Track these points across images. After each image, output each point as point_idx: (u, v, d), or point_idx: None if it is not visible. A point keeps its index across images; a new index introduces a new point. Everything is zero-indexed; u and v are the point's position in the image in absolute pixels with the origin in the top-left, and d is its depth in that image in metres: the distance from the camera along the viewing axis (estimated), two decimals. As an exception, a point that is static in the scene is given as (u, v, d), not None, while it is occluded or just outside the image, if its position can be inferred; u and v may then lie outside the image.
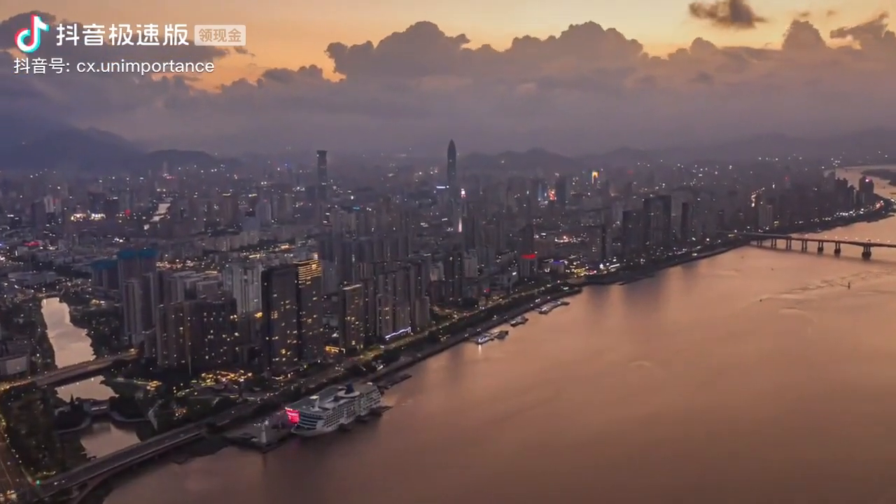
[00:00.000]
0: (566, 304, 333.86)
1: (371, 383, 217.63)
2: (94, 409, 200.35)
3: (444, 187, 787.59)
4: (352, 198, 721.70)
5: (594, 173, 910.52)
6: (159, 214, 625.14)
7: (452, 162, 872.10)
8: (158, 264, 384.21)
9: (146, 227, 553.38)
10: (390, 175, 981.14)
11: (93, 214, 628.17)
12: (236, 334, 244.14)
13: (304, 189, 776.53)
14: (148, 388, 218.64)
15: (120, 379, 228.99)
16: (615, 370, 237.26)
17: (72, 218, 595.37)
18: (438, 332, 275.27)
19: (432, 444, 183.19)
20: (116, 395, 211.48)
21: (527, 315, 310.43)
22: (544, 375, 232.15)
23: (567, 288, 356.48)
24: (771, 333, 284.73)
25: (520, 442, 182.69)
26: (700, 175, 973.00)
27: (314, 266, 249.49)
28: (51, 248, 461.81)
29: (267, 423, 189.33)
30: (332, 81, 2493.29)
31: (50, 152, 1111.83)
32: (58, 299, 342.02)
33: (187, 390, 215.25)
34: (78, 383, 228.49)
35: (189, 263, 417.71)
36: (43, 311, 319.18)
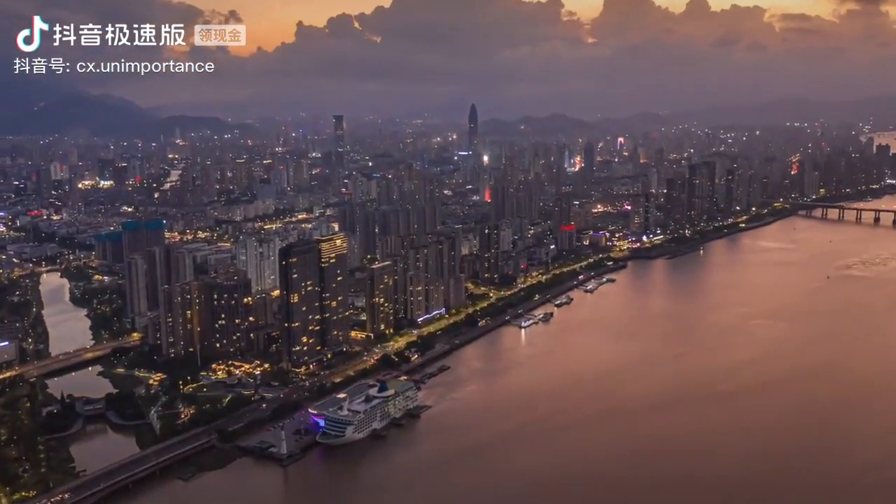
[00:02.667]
0: (612, 280, 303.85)
1: (405, 377, 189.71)
2: (87, 408, 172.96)
3: (466, 153, 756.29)
4: (370, 164, 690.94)
5: (620, 139, 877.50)
6: (171, 181, 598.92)
7: (474, 127, 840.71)
8: (168, 235, 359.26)
9: (156, 196, 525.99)
10: (408, 141, 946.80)
11: (102, 182, 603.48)
12: (251, 319, 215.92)
13: (320, 155, 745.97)
14: (151, 381, 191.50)
15: (120, 370, 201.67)
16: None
17: (80, 185, 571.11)
18: (476, 315, 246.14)
19: (483, 451, 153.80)
20: (114, 392, 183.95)
21: (571, 293, 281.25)
22: (610, 366, 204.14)
23: (611, 262, 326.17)
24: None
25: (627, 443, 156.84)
26: (730, 140, 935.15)
27: (338, 242, 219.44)
28: (55, 217, 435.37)
29: (286, 425, 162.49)
30: (346, 47, 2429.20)
31: (62, 117, 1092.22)
32: (59, 274, 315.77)
33: (195, 385, 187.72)
34: (73, 374, 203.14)
35: (200, 234, 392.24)
36: (41, 287, 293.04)
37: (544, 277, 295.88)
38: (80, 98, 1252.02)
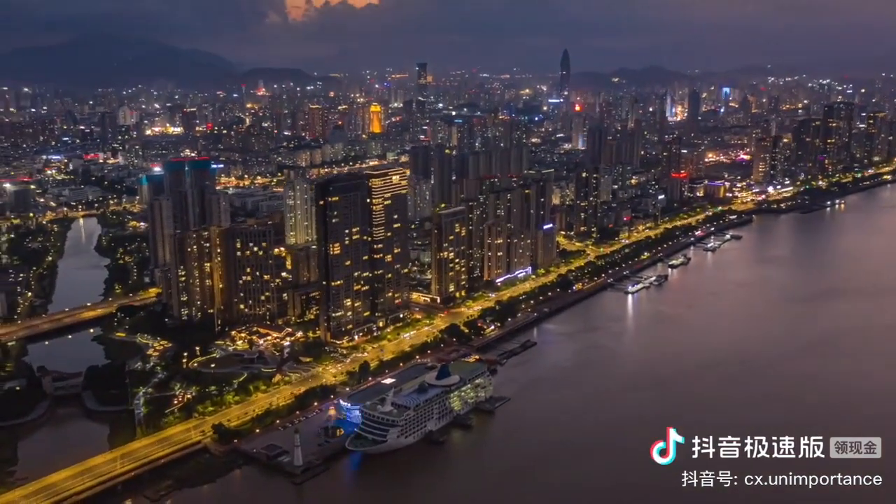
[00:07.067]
0: (738, 237, 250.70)
1: (476, 357, 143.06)
2: (58, 386, 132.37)
3: (557, 101, 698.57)
4: (453, 114, 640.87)
5: (725, 88, 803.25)
6: (240, 128, 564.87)
7: (566, 73, 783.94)
8: (225, 180, 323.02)
9: (221, 141, 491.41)
10: (497, 92, 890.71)
11: (172, 128, 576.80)
12: (284, 274, 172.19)
13: (401, 105, 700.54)
14: (151, 351, 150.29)
15: (120, 334, 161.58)
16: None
17: (149, 132, 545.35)
18: (570, 276, 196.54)
19: (586, 465, 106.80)
20: (101, 364, 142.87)
21: (687, 252, 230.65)
22: (754, 346, 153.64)
23: (734, 217, 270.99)
24: None
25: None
26: (849, 91, 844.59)
27: (395, 178, 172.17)
28: (111, 161, 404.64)
29: (306, 422, 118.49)
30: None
31: (150, 70, 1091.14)
32: (96, 220, 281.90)
33: (204, 358, 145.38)
34: (70, 336, 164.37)
35: (260, 180, 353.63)
36: (71, 234, 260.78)
37: (653, 233, 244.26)
38: (169, 52, 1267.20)
